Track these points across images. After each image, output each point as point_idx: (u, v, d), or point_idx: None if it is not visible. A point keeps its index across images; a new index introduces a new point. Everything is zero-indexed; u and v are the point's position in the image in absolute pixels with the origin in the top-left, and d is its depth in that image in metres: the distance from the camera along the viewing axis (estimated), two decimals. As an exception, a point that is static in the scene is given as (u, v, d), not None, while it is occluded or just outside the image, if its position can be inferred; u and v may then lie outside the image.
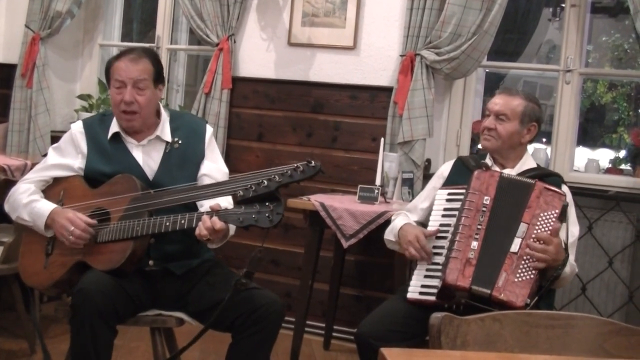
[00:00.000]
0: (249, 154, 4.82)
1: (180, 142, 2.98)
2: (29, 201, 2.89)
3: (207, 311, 2.81)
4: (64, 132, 5.16)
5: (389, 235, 3.24)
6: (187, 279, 2.89)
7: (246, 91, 4.84)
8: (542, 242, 2.76)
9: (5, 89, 5.30)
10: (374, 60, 4.54)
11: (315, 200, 3.93)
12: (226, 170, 3.07)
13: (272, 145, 4.79)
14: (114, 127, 2.96)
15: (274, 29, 4.77)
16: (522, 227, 2.82)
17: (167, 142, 2.97)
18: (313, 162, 2.52)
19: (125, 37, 5.88)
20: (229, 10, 4.72)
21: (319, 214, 3.86)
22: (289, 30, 4.71)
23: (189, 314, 2.89)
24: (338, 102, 4.62)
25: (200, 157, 3.01)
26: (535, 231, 2.80)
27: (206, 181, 2.95)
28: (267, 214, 2.47)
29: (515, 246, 2.80)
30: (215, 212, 2.59)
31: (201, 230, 2.57)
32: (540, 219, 2.81)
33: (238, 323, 2.71)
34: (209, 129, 3.09)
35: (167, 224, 2.66)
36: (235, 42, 4.79)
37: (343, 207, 3.84)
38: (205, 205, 2.82)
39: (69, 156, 2.97)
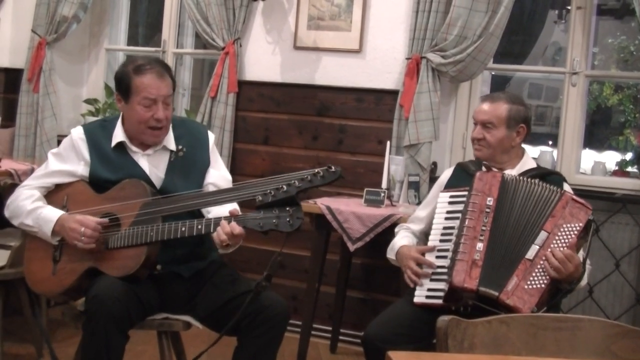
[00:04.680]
0: (255, 157, 4.83)
1: (184, 150, 2.96)
2: (34, 207, 2.86)
3: (215, 313, 2.82)
4: (70, 136, 5.22)
5: (390, 254, 3.23)
6: (194, 281, 2.89)
7: (252, 94, 4.85)
8: (563, 255, 2.71)
9: (12, 94, 5.32)
10: (379, 63, 4.54)
11: (322, 203, 3.94)
12: (229, 177, 3.07)
13: (278, 148, 4.80)
14: (119, 136, 2.91)
15: (279, 32, 4.78)
16: (542, 235, 2.78)
17: (172, 151, 2.95)
18: (333, 167, 2.52)
19: (131, 41, 5.89)
20: (235, 14, 4.73)
21: (325, 217, 3.87)
22: (294, 34, 4.72)
23: (196, 318, 2.88)
24: (344, 105, 4.62)
25: (205, 164, 3.01)
26: (555, 241, 2.76)
27: (211, 190, 2.94)
28: (287, 219, 2.48)
29: (531, 253, 2.76)
30: (234, 217, 2.59)
31: (220, 235, 2.58)
32: (562, 229, 2.77)
33: (243, 325, 2.72)
34: (212, 136, 3.09)
35: (183, 229, 2.65)
36: (241, 45, 4.80)
37: (349, 210, 3.84)
38: (212, 211, 2.83)
39: (70, 162, 2.94)
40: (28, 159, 5.04)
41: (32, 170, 3.94)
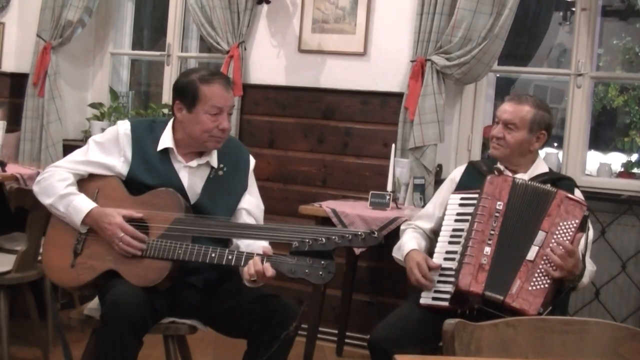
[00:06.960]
0: (260, 160, 4.80)
1: (225, 169, 2.93)
2: (67, 193, 2.81)
3: (221, 316, 2.82)
4: (76, 140, 5.24)
5: (397, 253, 3.21)
6: (206, 290, 2.88)
7: (257, 98, 4.85)
8: (563, 250, 2.72)
9: (17, 98, 5.33)
10: (384, 66, 4.54)
11: (327, 206, 3.93)
12: (262, 206, 3.04)
13: (283, 151, 4.80)
14: (167, 142, 2.87)
15: (284, 35, 4.78)
16: (540, 235, 2.79)
17: (212, 168, 2.92)
18: (376, 233, 2.51)
19: (135, 45, 5.90)
20: (239, 17, 4.74)
21: (331, 220, 3.86)
22: (299, 37, 4.72)
23: (204, 321, 2.88)
24: (349, 108, 4.62)
25: (243, 188, 2.98)
26: (553, 240, 2.77)
27: (244, 215, 2.93)
28: (320, 271, 2.48)
29: (532, 254, 2.77)
30: (267, 256, 2.58)
31: (250, 269, 2.56)
32: (559, 227, 2.79)
33: (254, 329, 2.71)
34: (252, 160, 3.07)
35: (213, 255, 2.64)
36: (245, 49, 4.80)
37: (355, 213, 3.84)
38: (243, 242, 2.80)
39: (111, 156, 2.88)
40: (33, 163, 5.04)
41: (37, 175, 3.94)
